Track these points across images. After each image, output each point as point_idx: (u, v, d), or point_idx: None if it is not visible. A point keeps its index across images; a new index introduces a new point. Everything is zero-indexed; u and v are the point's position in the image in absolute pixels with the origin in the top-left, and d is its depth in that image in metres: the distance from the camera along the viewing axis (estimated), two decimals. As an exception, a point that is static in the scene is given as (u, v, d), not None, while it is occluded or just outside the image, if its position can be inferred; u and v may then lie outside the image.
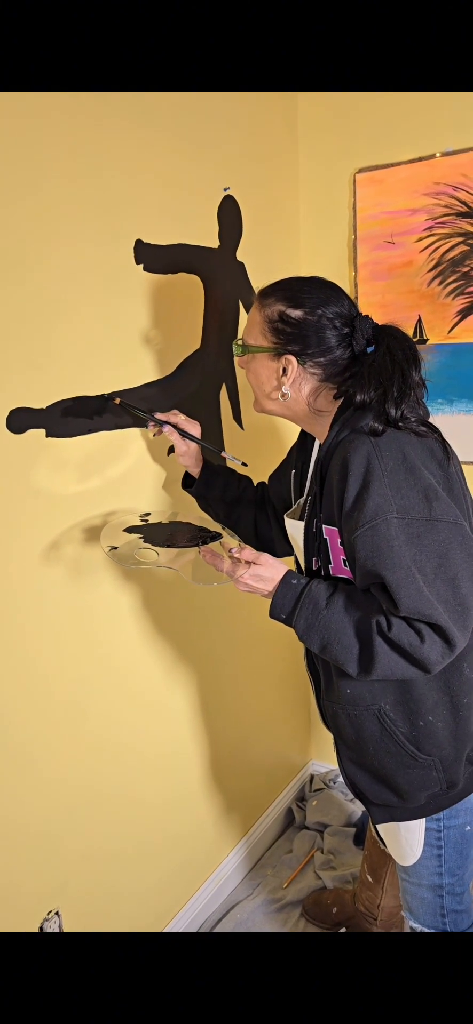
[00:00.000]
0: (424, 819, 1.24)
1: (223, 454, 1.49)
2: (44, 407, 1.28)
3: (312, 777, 2.35)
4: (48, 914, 1.40)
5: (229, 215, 1.74)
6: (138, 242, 1.45)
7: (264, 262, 1.89)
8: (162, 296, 1.54)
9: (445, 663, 1.05)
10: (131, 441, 1.50)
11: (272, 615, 1.16)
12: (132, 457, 1.51)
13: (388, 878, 1.70)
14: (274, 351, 1.20)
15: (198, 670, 1.78)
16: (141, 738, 1.61)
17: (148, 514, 1.44)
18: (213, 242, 1.69)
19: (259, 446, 1.86)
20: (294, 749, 2.32)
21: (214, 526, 1.38)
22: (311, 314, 1.17)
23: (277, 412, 1.26)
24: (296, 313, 1.17)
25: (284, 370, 1.19)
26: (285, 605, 1.15)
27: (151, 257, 1.49)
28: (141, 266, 1.47)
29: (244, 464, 1.49)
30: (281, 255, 1.99)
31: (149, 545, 1.28)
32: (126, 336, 1.45)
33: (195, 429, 1.45)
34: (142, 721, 1.61)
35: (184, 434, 1.43)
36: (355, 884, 1.92)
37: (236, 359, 1.28)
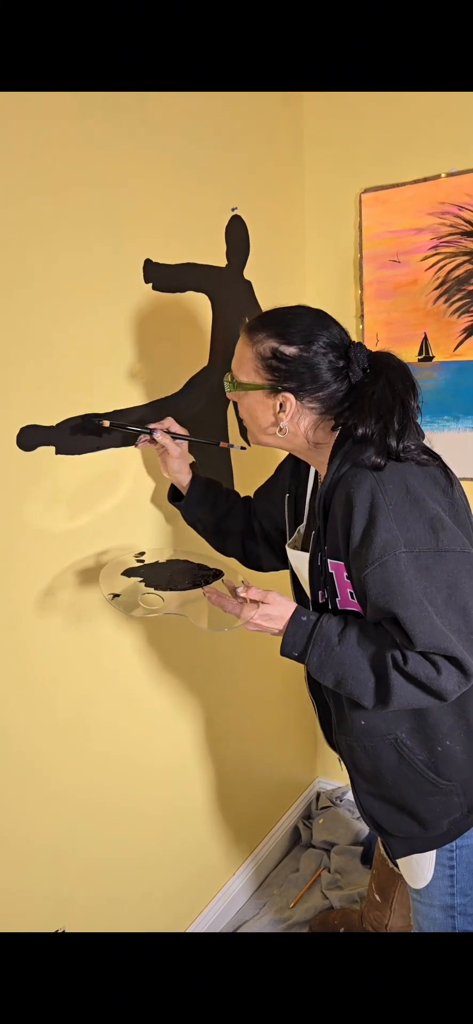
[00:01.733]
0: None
1: (222, 443, 1.48)
2: (54, 424, 1.29)
3: (318, 795, 2.34)
4: (55, 932, 1.39)
5: (236, 234, 1.76)
6: (147, 261, 1.47)
7: (271, 281, 1.90)
8: (170, 315, 1.55)
9: (461, 692, 1.05)
10: (123, 470, 1.47)
11: (283, 653, 1.15)
12: (124, 488, 1.47)
13: (397, 897, 1.69)
14: (270, 388, 1.17)
15: (204, 687, 1.78)
16: (146, 755, 1.61)
17: (143, 553, 1.40)
18: (221, 261, 1.71)
19: (265, 463, 1.86)
20: (300, 766, 2.31)
21: (213, 563, 1.35)
22: (306, 350, 1.14)
23: (274, 445, 1.24)
24: (290, 350, 1.15)
25: (281, 406, 1.17)
26: (297, 643, 1.14)
27: (160, 276, 1.51)
28: (150, 285, 1.48)
29: (243, 448, 1.49)
30: (287, 274, 2.01)
31: (152, 589, 1.24)
32: (134, 354, 1.46)
33: (184, 432, 1.43)
34: (147, 738, 1.61)
35: (175, 435, 1.41)
36: (362, 904, 1.90)
37: (227, 390, 1.25)
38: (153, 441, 1.40)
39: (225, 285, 1.73)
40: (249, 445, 1.43)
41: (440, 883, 1.24)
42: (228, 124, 1.71)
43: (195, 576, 1.28)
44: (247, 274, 1.81)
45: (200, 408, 1.66)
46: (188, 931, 1.79)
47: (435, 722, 1.14)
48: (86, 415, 1.35)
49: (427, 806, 1.18)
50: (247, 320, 1.22)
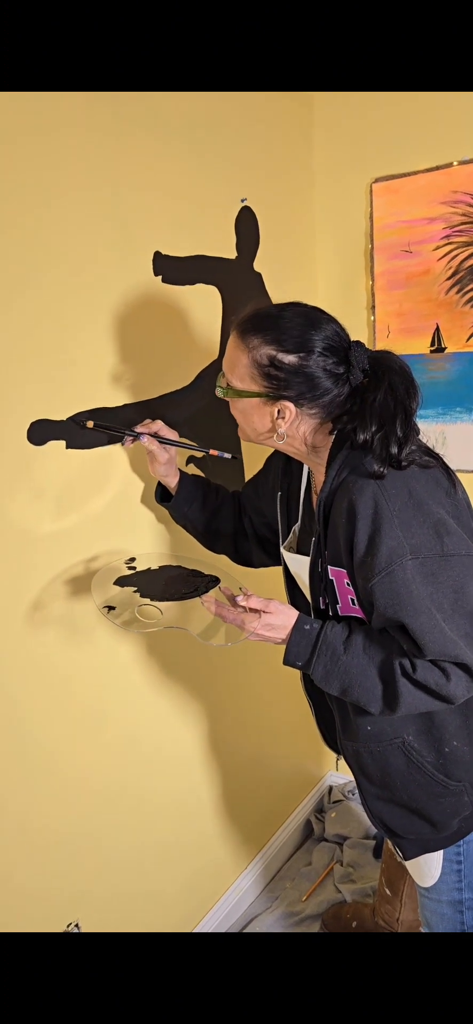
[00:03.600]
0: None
1: (211, 451, 1.42)
2: (64, 419, 1.29)
3: (331, 788, 2.33)
4: (68, 926, 1.40)
5: (246, 226, 1.75)
6: (157, 254, 1.46)
7: (281, 272, 1.89)
8: (180, 307, 1.54)
9: (470, 695, 1.04)
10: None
11: (287, 662, 1.14)
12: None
13: (406, 891, 1.69)
14: (268, 397, 1.12)
15: (214, 682, 1.78)
16: (157, 753, 1.61)
17: (134, 559, 1.37)
18: (231, 253, 1.70)
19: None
20: (312, 760, 2.30)
21: (207, 567, 1.31)
22: (305, 359, 1.09)
23: (268, 446, 1.21)
24: (289, 359, 1.09)
25: (279, 413, 1.12)
26: (301, 653, 1.12)
27: (170, 268, 1.50)
28: (160, 277, 1.48)
29: (235, 457, 1.45)
30: (298, 265, 1.99)
31: (148, 600, 1.20)
32: (144, 347, 1.45)
33: (174, 435, 1.39)
34: (157, 735, 1.61)
35: (163, 440, 1.37)
36: (375, 898, 1.90)
37: (219, 392, 1.20)
38: (134, 441, 1.37)
39: (235, 277, 1.72)
40: (239, 456, 1.40)
41: (448, 879, 1.23)
42: (237, 114, 1.70)
43: (191, 583, 1.24)
44: (257, 266, 1.80)
45: (210, 401, 1.65)
46: (200, 923, 1.79)
47: (442, 723, 1.13)
48: (76, 415, 1.31)
49: (437, 807, 1.17)
50: (236, 318, 1.16)
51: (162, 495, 1.47)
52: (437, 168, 1.84)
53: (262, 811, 2.03)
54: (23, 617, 1.26)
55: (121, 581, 1.26)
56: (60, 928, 1.39)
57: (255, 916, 1.92)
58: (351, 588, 1.10)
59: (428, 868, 1.25)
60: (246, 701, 1.92)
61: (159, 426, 1.38)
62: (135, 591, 1.23)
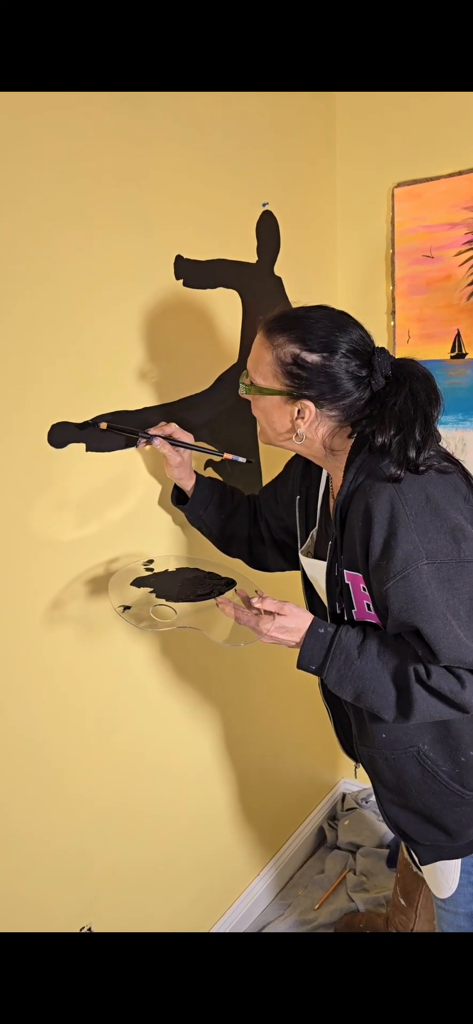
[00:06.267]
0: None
1: (226, 455, 1.41)
2: (84, 422, 1.29)
3: (344, 796, 2.32)
4: (81, 929, 1.39)
5: (267, 230, 1.74)
6: (178, 257, 1.46)
7: (301, 277, 1.88)
8: (200, 311, 1.54)
9: None
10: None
11: (300, 666, 1.13)
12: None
13: (421, 901, 1.67)
14: (289, 395, 1.12)
15: (227, 689, 1.77)
16: (170, 758, 1.60)
17: (151, 561, 1.37)
18: (251, 257, 1.70)
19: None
20: (325, 767, 2.29)
21: (224, 571, 1.31)
22: (328, 359, 1.09)
23: (287, 448, 1.21)
24: (313, 358, 1.09)
25: (299, 413, 1.12)
26: (314, 657, 1.11)
27: (190, 272, 1.50)
28: (181, 281, 1.47)
29: (249, 461, 1.45)
30: (318, 269, 1.99)
31: (163, 601, 1.21)
32: (164, 350, 1.45)
33: (188, 438, 1.38)
34: (171, 741, 1.60)
35: (176, 443, 1.36)
36: (388, 907, 1.88)
37: (241, 390, 1.20)
38: (148, 444, 1.36)
39: (255, 281, 1.71)
40: (254, 460, 1.39)
41: (465, 891, 1.22)
42: (259, 118, 1.69)
43: (207, 586, 1.24)
44: (278, 270, 1.79)
45: (229, 405, 1.65)
46: (213, 928, 1.79)
47: (458, 732, 1.12)
48: (94, 418, 1.31)
49: (453, 816, 1.16)
50: (263, 318, 1.17)
51: (178, 497, 1.47)
52: (460, 173, 1.82)
53: (275, 817, 2.02)
54: (41, 617, 1.26)
55: (138, 582, 1.27)
56: (72, 930, 1.39)
57: (267, 923, 1.91)
58: (367, 593, 1.09)
59: (445, 879, 1.23)
60: (259, 707, 1.91)
61: (173, 428, 1.37)
62: (151, 592, 1.24)
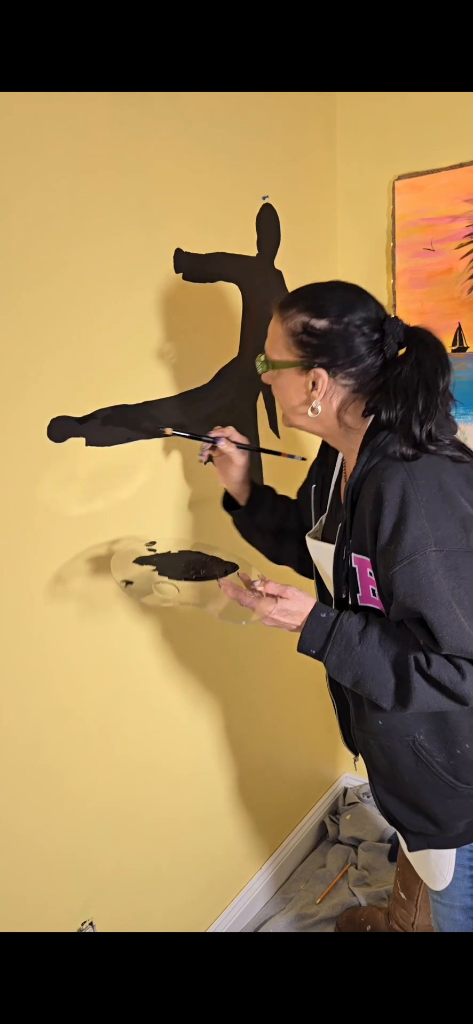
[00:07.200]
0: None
1: (285, 453, 1.41)
2: (84, 415, 1.29)
3: (346, 790, 2.32)
4: (82, 924, 1.39)
5: (267, 223, 1.74)
6: (178, 251, 1.45)
7: (302, 270, 1.87)
8: (200, 305, 1.53)
9: None
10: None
11: (301, 650, 1.13)
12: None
13: (421, 895, 1.67)
14: (301, 365, 1.13)
15: (228, 684, 1.77)
16: (170, 752, 1.60)
17: (154, 543, 1.37)
18: (251, 250, 1.69)
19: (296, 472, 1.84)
20: (327, 762, 2.29)
21: (227, 556, 1.31)
22: (337, 322, 1.10)
23: (306, 427, 1.20)
24: (321, 323, 1.10)
25: (313, 384, 1.13)
26: (315, 641, 1.11)
27: (190, 266, 1.49)
28: (180, 275, 1.47)
29: (303, 459, 1.43)
30: (319, 263, 1.98)
31: (166, 578, 1.21)
32: (164, 344, 1.44)
33: (245, 441, 1.39)
34: (170, 737, 1.60)
35: (240, 445, 1.37)
36: (390, 901, 1.88)
37: (262, 375, 1.22)
38: (213, 450, 1.37)
39: (255, 275, 1.70)
40: (306, 458, 1.40)
41: (461, 884, 1.22)
42: (259, 110, 1.68)
43: (210, 568, 1.25)
44: (278, 263, 1.79)
45: (230, 399, 1.64)
46: (213, 925, 1.79)
47: (455, 725, 1.11)
48: (158, 424, 1.36)
49: (444, 808, 1.16)
50: (277, 299, 1.19)
51: (228, 503, 1.47)
52: (461, 165, 1.81)
53: (276, 812, 2.02)
54: (43, 592, 1.26)
55: (141, 561, 1.28)
56: (74, 927, 1.39)
57: (269, 918, 1.91)
58: (373, 578, 1.08)
59: (439, 871, 1.23)
60: (260, 702, 1.91)
61: (231, 431, 1.38)
62: (154, 570, 1.24)
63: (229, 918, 1.83)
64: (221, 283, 1.59)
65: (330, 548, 1.19)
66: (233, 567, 1.24)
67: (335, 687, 1.30)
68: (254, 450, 1.40)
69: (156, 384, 1.44)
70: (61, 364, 1.24)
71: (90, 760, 1.39)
